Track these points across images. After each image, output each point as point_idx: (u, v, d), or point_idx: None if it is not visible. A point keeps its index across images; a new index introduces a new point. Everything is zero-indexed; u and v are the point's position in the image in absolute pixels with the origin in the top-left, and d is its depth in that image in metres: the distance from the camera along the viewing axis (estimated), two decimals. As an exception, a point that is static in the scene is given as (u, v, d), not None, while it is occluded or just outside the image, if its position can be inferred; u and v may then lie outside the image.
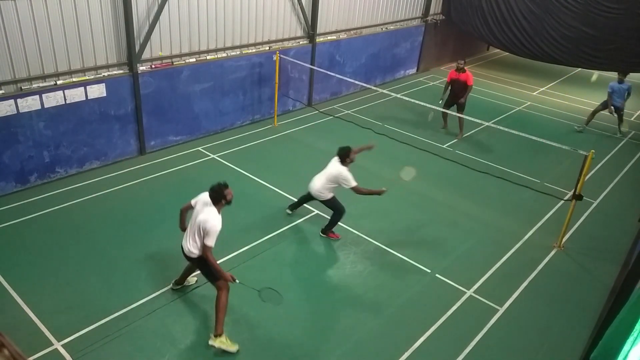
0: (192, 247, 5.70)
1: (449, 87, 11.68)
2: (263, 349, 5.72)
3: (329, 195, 7.60)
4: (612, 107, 12.41)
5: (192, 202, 5.93)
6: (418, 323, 6.24)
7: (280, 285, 6.67)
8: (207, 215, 5.54)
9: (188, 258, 5.90)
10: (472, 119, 10.46)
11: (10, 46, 7.64)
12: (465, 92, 11.34)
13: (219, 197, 5.62)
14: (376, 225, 8.21)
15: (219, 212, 5.61)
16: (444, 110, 11.09)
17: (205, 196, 5.77)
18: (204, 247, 5.53)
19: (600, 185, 10.11)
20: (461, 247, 7.85)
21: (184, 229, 6.07)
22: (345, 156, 7.32)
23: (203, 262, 5.73)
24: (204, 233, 5.49)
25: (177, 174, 9.31)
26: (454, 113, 10.87)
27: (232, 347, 5.62)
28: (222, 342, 5.59)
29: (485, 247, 7.90)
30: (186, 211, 6.12)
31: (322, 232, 7.83)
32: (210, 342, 5.60)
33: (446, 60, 18.35)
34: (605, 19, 13.55)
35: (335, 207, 7.66)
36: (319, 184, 7.58)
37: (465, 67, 11.38)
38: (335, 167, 7.41)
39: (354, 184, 7.30)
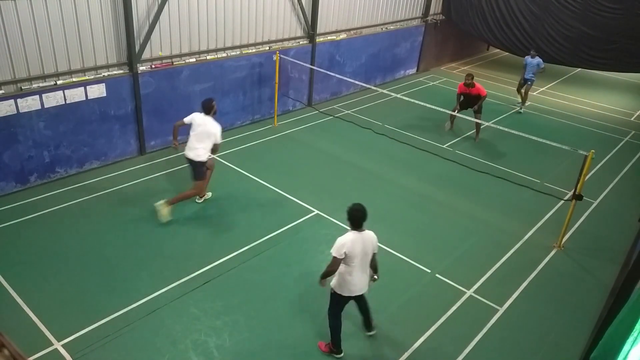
0: (199, 151, 7.57)
1: (461, 98, 11.54)
2: (263, 349, 5.72)
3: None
4: (524, 79, 13.56)
5: (185, 120, 7.66)
6: (418, 323, 6.24)
7: (280, 285, 6.68)
8: (208, 123, 7.54)
9: (192, 162, 7.67)
10: (472, 119, 10.47)
11: (10, 46, 7.64)
12: (479, 101, 11.28)
13: (209, 107, 7.58)
14: (376, 225, 8.13)
15: (213, 119, 7.59)
16: (452, 113, 10.97)
17: (196, 114, 7.62)
18: (215, 146, 7.66)
19: (600, 185, 10.11)
20: (461, 247, 7.85)
21: (175, 143, 7.90)
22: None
23: (200, 165, 7.67)
24: (214, 138, 7.56)
25: (177, 174, 9.31)
26: (466, 116, 10.63)
27: (165, 218, 7.55)
28: (163, 209, 7.60)
29: (485, 247, 7.90)
30: (179, 127, 7.83)
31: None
32: (158, 203, 7.62)
33: (446, 60, 18.35)
34: (605, 19, 13.55)
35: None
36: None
37: (474, 82, 11.21)
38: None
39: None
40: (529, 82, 13.58)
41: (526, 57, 13.62)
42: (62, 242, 7.21)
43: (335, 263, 5.06)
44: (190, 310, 6.15)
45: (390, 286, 6.86)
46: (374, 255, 5.28)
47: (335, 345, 5.59)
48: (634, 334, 3.35)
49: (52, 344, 5.53)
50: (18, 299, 6.12)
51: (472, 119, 10.73)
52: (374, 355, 5.77)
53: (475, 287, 6.96)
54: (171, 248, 7.28)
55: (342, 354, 5.62)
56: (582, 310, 6.72)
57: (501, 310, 6.58)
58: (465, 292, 6.84)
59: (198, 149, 7.59)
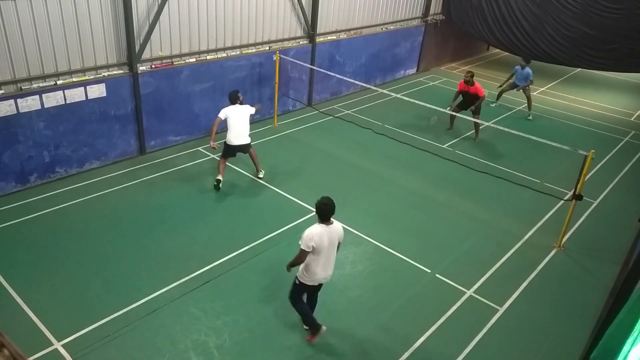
0: (247, 135, 8.80)
1: (459, 96, 11.60)
2: (263, 349, 5.72)
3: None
4: (514, 83, 13.67)
5: (221, 116, 8.52)
6: (418, 323, 6.24)
7: (280, 285, 6.68)
8: (244, 109, 8.71)
9: (244, 147, 8.87)
10: (472, 119, 10.46)
11: (10, 46, 7.64)
12: (477, 102, 11.26)
13: (236, 97, 8.66)
14: (376, 225, 8.21)
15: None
16: (452, 112, 11.06)
17: (229, 108, 8.58)
18: (256, 110, 9.08)
19: (600, 185, 10.11)
20: (461, 247, 7.85)
21: (214, 144, 8.65)
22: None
23: (248, 146, 8.95)
24: (250, 115, 8.77)
25: (177, 174, 9.32)
26: (466, 117, 10.62)
27: (262, 173, 9.27)
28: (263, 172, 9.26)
29: (485, 247, 7.90)
30: (217, 126, 8.52)
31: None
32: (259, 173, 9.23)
33: (446, 61, 18.35)
34: (605, 19, 13.54)
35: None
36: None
37: (474, 80, 11.21)
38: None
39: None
40: (519, 86, 13.51)
41: (516, 67, 13.52)
42: (62, 242, 7.21)
43: (302, 255, 5.25)
44: (190, 310, 6.15)
45: (390, 286, 6.87)
46: (338, 244, 5.50)
47: (312, 326, 5.70)
48: (634, 334, 3.35)
49: (52, 344, 5.53)
50: (18, 299, 6.12)
51: (471, 119, 10.73)
52: (374, 355, 5.77)
53: (475, 287, 6.96)
54: (171, 248, 7.28)
55: (324, 327, 5.69)
56: (582, 311, 6.72)
57: (501, 310, 6.58)
58: (465, 292, 6.84)
59: (244, 135, 8.76)
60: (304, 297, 5.78)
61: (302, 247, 5.20)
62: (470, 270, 7.28)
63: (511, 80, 13.78)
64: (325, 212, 5.19)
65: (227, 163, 9.14)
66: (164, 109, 9.97)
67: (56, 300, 6.16)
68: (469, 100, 11.42)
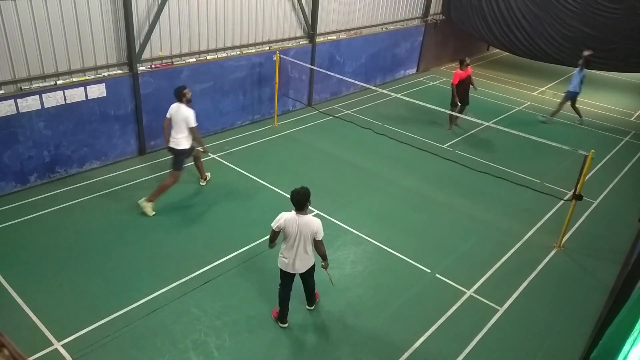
0: (179, 140, 7.87)
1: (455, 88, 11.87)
2: (262, 349, 5.72)
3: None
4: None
5: (167, 115, 7.93)
6: (418, 323, 6.24)
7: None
8: (181, 109, 7.79)
9: (172, 151, 7.97)
10: (472, 119, 10.46)
11: (10, 46, 7.64)
12: (473, 82, 12.14)
13: (180, 94, 7.81)
14: (376, 225, 8.20)
15: (187, 106, 7.84)
16: (454, 114, 11.26)
17: (173, 105, 7.90)
18: (192, 129, 7.83)
19: (600, 185, 10.11)
20: (461, 247, 7.85)
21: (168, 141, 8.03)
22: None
23: (180, 153, 7.95)
24: (186, 123, 7.75)
25: (177, 174, 9.31)
26: (461, 115, 10.68)
27: (150, 212, 7.87)
28: (146, 206, 7.86)
29: (485, 247, 7.90)
30: (168, 125, 7.99)
31: None
32: (140, 200, 7.92)
33: (446, 60, 18.34)
34: (605, 19, 13.55)
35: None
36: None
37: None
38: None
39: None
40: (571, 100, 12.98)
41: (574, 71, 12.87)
42: (62, 242, 7.21)
43: (271, 233, 5.69)
44: (190, 310, 6.15)
45: (390, 286, 6.87)
46: (318, 242, 5.56)
47: (279, 314, 6.01)
48: (634, 334, 3.35)
49: (52, 344, 5.53)
50: (18, 299, 6.12)
51: (467, 117, 10.54)
52: (374, 355, 5.77)
53: (475, 287, 6.96)
54: (171, 248, 7.28)
55: (285, 325, 6.00)
56: (582, 310, 6.72)
57: (501, 310, 6.58)
58: (465, 292, 6.84)
59: (177, 138, 7.90)
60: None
61: (272, 225, 5.57)
62: (470, 270, 7.28)
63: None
64: (295, 201, 5.41)
65: (198, 164, 8.78)
66: (164, 109, 9.84)
67: (56, 300, 6.16)
68: (467, 86, 11.94)
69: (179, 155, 8.01)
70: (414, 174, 9.98)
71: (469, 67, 11.90)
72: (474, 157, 10.85)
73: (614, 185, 10.25)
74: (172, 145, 7.97)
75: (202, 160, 8.91)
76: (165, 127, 8.08)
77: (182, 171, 8.23)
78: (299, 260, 5.63)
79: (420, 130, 12.03)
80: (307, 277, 5.97)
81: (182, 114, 7.78)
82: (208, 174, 9.06)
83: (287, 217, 5.46)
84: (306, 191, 5.39)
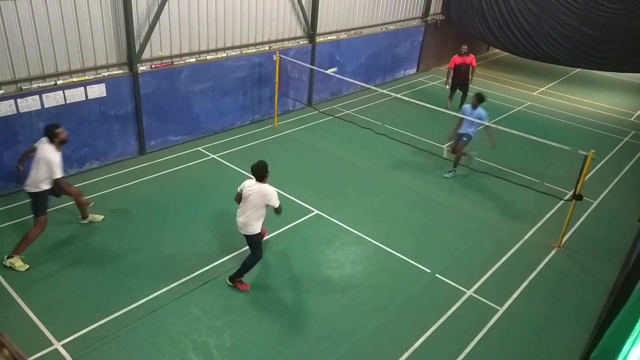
0: (35, 180, 6.49)
1: (452, 72, 12.90)
2: (262, 349, 5.72)
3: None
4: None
5: (35, 145, 6.64)
6: (418, 323, 6.24)
7: (280, 285, 6.68)
8: (46, 149, 6.44)
9: (29, 194, 6.65)
10: (472, 119, 10.45)
11: (10, 46, 7.64)
12: (472, 73, 12.96)
13: (51, 133, 6.49)
14: (376, 225, 8.20)
15: (56, 149, 6.51)
16: (449, 98, 12.37)
17: (42, 139, 6.58)
18: (55, 176, 6.46)
19: (600, 185, 10.11)
20: (461, 247, 7.85)
21: (20, 167, 7.04)
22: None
23: (37, 196, 6.58)
24: (49, 170, 6.41)
25: (177, 174, 9.31)
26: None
27: (22, 267, 6.56)
28: (12, 263, 6.54)
29: (485, 247, 7.90)
30: (28, 153, 6.86)
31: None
32: (5, 261, 6.58)
33: (446, 61, 18.23)
34: (605, 19, 13.54)
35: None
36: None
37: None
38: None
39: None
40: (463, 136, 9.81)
41: (465, 105, 10.10)
42: (61, 242, 7.21)
43: (235, 194, 6.43)
44: (190, 310, 6.15)
45: (390, 286, 6.87)
46: (276, 209, 6.32)
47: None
48: (634, 334, 3.35)
49: (52, 344, 5.53)
50: (18, 298, 6.12)
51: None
52: (374, 355, 5.77)
53: (475, 287, 6.96)
54: (171, 248, 7.28)
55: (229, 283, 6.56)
56: (582, 311, 6.72)
57: (501, 310, 6.58)
58: (465, 292, 6.84)
59: (37, 179, 6.48)
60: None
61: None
62: (470, 270, 7.28)
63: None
64: (255, 173, 6.22)
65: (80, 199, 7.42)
66: (164, 109, 9.96)
67: (56, 300, 6.15)
68: (464, 72, 12.75)
69: (37, 199, 6.58)
70: (413, 174, 9.98)
71: (472, 57, 12.54)
72: (473, 157, 10.83)
73: (614, 185, 10.25)
74: (29, 184, 6.53)
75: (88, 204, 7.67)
76: (25, 153, 6.94)
77: (83, 205, 7.36)
78: (241, 218, 6.25)
79: (420, 130, 12.03)
80: (248, 244, 6.47)
81: (46, 157, 6.35)
82: (99, 217, 7.70)
83: (248, 184, 6.27)
84: (264, 165, 6.21)
